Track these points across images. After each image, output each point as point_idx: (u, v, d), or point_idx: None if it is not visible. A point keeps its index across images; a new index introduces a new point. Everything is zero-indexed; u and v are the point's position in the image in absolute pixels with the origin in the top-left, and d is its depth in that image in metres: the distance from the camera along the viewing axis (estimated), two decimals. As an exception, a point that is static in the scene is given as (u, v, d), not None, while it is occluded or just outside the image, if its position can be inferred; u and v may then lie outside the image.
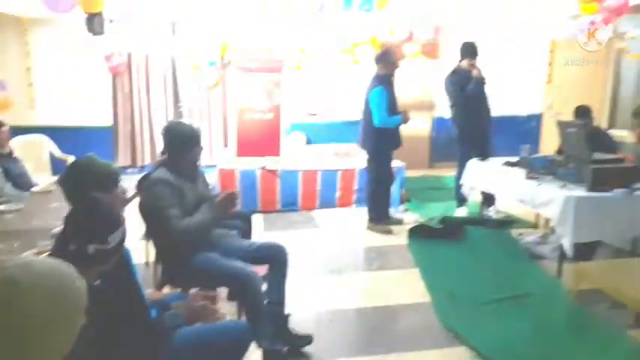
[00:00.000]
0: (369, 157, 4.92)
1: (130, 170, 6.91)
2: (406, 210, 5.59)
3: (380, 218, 5.00)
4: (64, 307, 1.06)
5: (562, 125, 3.87)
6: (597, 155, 3.54)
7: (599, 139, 4.26)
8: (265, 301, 2.66)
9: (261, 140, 5.65)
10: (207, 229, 2.62)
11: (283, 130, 5.81)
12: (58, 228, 1.77)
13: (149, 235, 2.82)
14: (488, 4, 6.77)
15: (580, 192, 3.40)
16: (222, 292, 3.02)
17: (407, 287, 3.68)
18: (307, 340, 2.81)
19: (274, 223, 5.20)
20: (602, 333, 2.74)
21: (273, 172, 5.58)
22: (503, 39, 7.34)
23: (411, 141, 7.16)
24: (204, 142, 7.07)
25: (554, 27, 7.12)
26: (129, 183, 2.50)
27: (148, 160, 7.16)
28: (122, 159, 7.10)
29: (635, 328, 2.91)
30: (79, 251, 1.50)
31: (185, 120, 7.31)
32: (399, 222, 5.07)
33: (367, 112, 4.75)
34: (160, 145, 7.09)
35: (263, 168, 5.57)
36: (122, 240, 1.62)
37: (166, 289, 2.77)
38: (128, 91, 7.02)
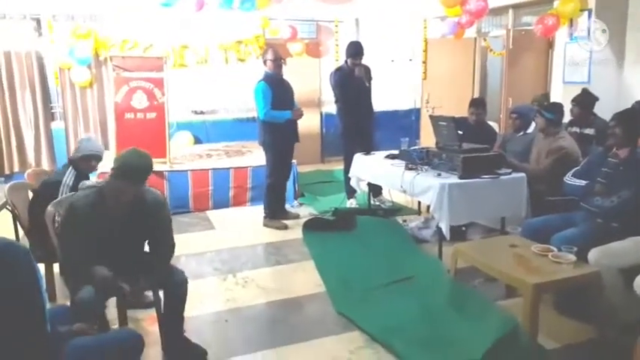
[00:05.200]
0: (265, 152, 4.97)
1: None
2: (301, 204, 5.69)
3: (275, 214, 5.04)
4: None
5: (434, 119, 4.19)
6: (466, 146, 3.88)
7: (483, 131, 4.68)
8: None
9: (145, 141, 5.31)
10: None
11: (168, 130, 5.58)
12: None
13: None
14: (366, 6, 7.15)
15: (453, 179, 3.70)
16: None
17: (303, 279, 3.77)
18: (201, 353, 2.73)
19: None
20: (478, 306, 3.03)
21: (159, 174, 5.36)
22: (381, 38, 7.78)
23: (303, 137, 7.27)
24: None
25: (425, 27, 7.70)
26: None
27: (16, 168, 6.51)
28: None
29: (507, 299, 3.27)
30: None
31: (58, 122, 6.77)
32: (296, 216, 5.17)
33: (257, 109, 4.79)
34: (30, 151, 6.51)
35: (149, 170, 5.32)
36: None
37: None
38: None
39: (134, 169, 2.42)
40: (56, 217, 2.85)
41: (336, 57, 7.64)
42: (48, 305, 1.80)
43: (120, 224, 2.48)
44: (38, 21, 6.41)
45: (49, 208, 2.89)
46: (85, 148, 3.38)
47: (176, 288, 2.61)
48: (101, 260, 2.43)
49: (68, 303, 2.68)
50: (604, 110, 4.54)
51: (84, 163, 3.35)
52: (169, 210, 2.77)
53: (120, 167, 2.40)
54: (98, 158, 3.44)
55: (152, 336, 2.79)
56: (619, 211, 3.09)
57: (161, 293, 2.65)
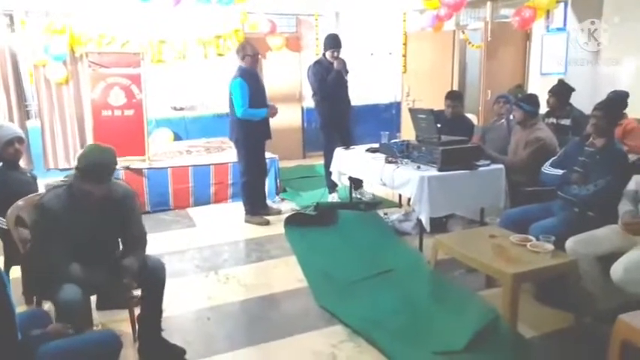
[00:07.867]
0: (237, 150, 4.91)
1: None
2: (282, 200, 5.67)
3: (256, 210, 5.01)
4: None
5: (413, 112, 4.20)
6: (445, 138, 3.90)
7: (460, 123, 4.71)
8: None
9: (123, 139, 5.27)
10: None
11: (147, 127, 5.51)
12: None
13: None
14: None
15: (432, 172, 3.73)
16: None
17: (285, 275, 3.75)
18: (180, 352, 2.69)
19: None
20: (458, 297, 3.06)
21: (138, 171, 5.28)
22: (360, 32, 7.76)
23: (284, 132, 7.25)
24: (57, 143, 6.58)
25: (404, 20, 7.71)
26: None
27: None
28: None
29: (487, 289, 3.31)
30: None
31: (34, 121, 6.62)
32: (278, 212, 5.14)
33: (231, 105, 4.74)
34: None
35: (126, 168, 5.24)
36: None
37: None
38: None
39: (97, 169, 2.36)
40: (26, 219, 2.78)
41: (316, 51, 7.61)
42: (20, 309, 1.75)
43: (93, 220, 2.45)
44: (11, 17, 6.24)
45: (10, 209, 2.81)
46: (2, 136, 3.19)
47: (154, 274, 2.58)
48: (78, 258, 2.38)
49: (46, 307, 2.63)
50: (579, 101, 4.61)
51: (8, 150, 3.18)
52: (139, 201, 2.74)
53: (83, 169, 2.35)
54: (20, 140, 3.24)
55: (129, 337, 2.76)
56: (595, 200, 3.13)
57: (137, 292, 2.61)
